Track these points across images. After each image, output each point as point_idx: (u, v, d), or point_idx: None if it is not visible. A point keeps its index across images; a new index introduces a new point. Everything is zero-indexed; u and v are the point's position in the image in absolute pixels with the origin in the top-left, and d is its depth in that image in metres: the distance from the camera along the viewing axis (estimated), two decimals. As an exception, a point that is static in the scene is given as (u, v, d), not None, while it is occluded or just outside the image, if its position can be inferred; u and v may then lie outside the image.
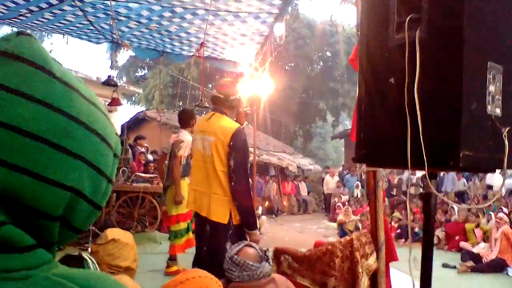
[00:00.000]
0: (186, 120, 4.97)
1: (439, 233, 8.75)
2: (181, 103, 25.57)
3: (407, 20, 1.39)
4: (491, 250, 6.82)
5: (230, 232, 2.73)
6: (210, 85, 17.37)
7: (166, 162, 5.09)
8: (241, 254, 2.02)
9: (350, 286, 2.60)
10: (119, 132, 11.69)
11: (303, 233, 10.23)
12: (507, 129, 1.40)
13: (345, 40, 22.08)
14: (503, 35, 1.46)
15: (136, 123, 15.28)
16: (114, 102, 5.68)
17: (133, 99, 24.50)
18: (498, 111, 1.41)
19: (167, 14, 5.16)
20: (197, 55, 6.59)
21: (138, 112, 16.58)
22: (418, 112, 1.33)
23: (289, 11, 5.19)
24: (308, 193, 15.89)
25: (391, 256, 2.90)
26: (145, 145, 10.31)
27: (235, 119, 3.12)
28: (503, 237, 6.66)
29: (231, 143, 2.73)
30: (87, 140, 0.52)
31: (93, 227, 6.24)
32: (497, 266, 6.42)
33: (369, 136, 1.54)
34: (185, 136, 4.79)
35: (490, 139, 1.39)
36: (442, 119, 1.33)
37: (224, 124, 2.84)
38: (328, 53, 25.39)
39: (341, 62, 23.00)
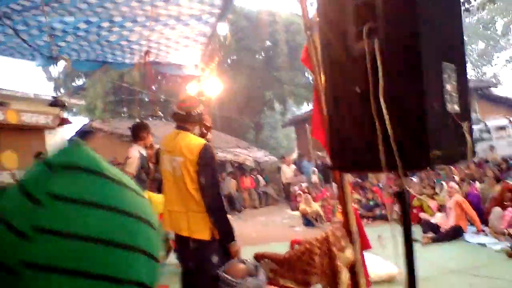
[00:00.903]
0: (136, 133, 4.86)
1: (397, 208, 9.14)
2: (125, 109, 24.86)
3: (365, 29, 1.43)
4: (448, 219, 7.23)
5: (214, 246, 2.72)
6: (153, 87, 16.96)
7: None
8: (229, 271, 2.03)
9: (331, 281, 2.68)
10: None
11: (269, 226, 10.34)
12: (465, 124, 1.49)
13: (284, 29, 22.34)
14: (450, 35, 1.55)
15: (81, 135, 14.70)
16: (64, 122, 5.42)
17: (73, 111, 23.47)
18: (456, 107, 1.49)
19: (105, 24, 4.97)
20: (141, 62, 6.44)
21: (84, 125, 15.92)
22: (386, 118, 1.39)
23: (231, 10, 5.17)
24: (267, 184, 16.06)
25: (365, 245, 3.02)
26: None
27: (200, 133, 3.09)
28: (456, 206, 7.09)
29: (199, 161, 2.72)
30: (142, 231, 0.54)
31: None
32: (455, 234, 6.85)
33: (341, 145, 1.58)
34: (133, 152, 4.69)
35: (453, 135, 1.47)
36: (408, 122, 1.39)
37: (190, 142, 2.81)
38: (268, 43, 25.58)
39: (282, 51, 23.25)
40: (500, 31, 30.33)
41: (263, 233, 9.08)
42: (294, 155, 19.45)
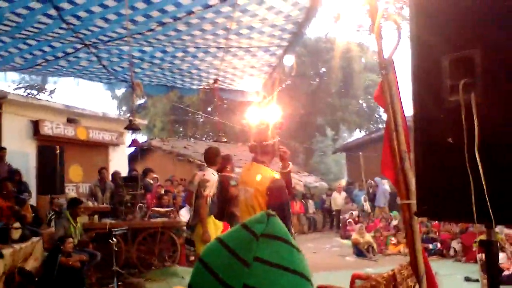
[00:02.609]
0: (211, 158, 5.05)
1: (455, 245, 8.77)
2: (181, 128, 25.76)
3: (461, 84, 1.49)
4: (510, 262, 6.84)
5: None
6: (215, 112, 17.45)
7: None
8: None
9: (398, 321, 2.65)
10: (127, 166, 11.81)
11: (319, 253, 10.23)
12: None
13: (340, 56, 22.39)
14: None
15: (141, 153, 15.37)
16: (135, 144, 5.77)
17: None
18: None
19: (180, 54, 5.29)
20: (207, 88, 6.75)
21: (142, 142, 16.66)
22: (481, 172, 1.42)
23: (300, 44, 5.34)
24: (316, 210, 15.90)
25: (431, 286, 2.96)
26: (155, 176, 10.38)
27: (280, 164, 3.18)
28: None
29: (268, 192, 2.83)
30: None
31: (116, 267, 6.26)
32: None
33: (429, 193, 1.62)
34: (211, 175, 4.86)
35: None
36: (504, 177, 1.41)
37: (261, 174, 2.93)
38: (323, 69, 25.69)
39: (337, 77, 23.25)
40: None
41: (312, 260, 8.97)
42: (343, 182, 19.14)
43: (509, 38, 1.40)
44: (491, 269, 1.63)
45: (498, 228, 8.55)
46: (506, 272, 6.77)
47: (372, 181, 15.81)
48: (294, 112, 22.25)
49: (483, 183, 1.42)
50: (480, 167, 1.42)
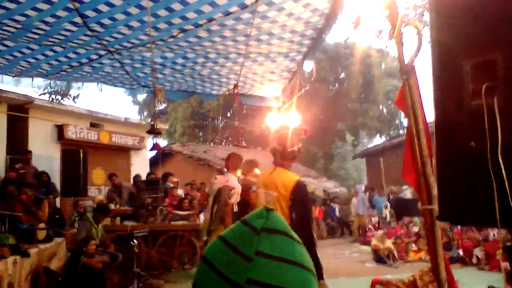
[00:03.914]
0: (234, 163, 5.05)
1: (478, 252, 8.59)
2: (201, 133, 25.99)
3: (484, 88, 1.49)
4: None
5: None
6: (234, 117, 17.56)
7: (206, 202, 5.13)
8: None
9: (420, 327, 2.62)
10: (148, 170, 11.98)
11: (339, 259, 10.14)
12: None
13: (360, 61, 22.27)
14: None
15: (162, 157, 15.56)
16: (156, 148, 5.87)
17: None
18: None
19: (201, 60, 5.37)
20: (227, 93, 6.82)
21: (163, 146, 16.89)
22: (505, 176, 1.42)
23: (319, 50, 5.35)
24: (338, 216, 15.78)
25: (454, 293, 2.92)
26: (175, 180, 10.49)
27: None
28: None
29: (292, 197, 2.84)
30: (313, 281, 0.67)
31: (137, 269, 6.35)
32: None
33: (452, 197, 1.62)
34: (234, 182, 4.86)
35: None
36: (528, 181, 1.40)
37: (285, 179, 2.95)
38: (343, 74, 25.57)
39: (357, 82, 23.11)
40: None
41: (333, 265, 8.90)
42: (363, 188, 18.95)
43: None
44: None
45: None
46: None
47: (393, 187, 15.62)
48: (313, 118, 22.21)
49: (507, 187, 1.41)
50: (503, 171, 1.42)
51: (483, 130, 1.48)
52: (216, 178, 5.25)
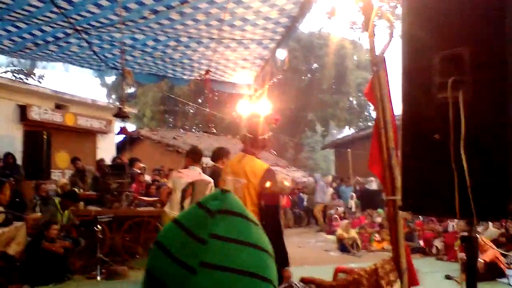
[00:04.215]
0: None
1: (438, 243, 8.90)
2: (171, 119, 25.65)
3: (450, 81, 1.51)
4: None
5: None
6: (205, 103, 17.41)
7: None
8: None
9: (379, 314, 2.69)
10: (114, 154, 11.73)
11: (304, 248, 10.28)
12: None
13: (333, 53, 22.44)
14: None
15: (130, 142, 15.27)
16: (123, 132, 5.73)
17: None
18: (535, 162, 1.53)
19: (172, 43, 5.26)
20: (198, 78, 6.72)
21: (131, 131, 16.55)
22: (466, 168, 1.45)
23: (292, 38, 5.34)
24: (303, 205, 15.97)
25: (413, 281, 3.01)
26: (142, 166, 10.32)
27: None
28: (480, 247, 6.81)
29: (261, 184, 2.84)
30: (271, 263, 0.66)
31: (101, 255, 6.24)
32: (493, 273, 6.60)
33: (415, 187, 1.65)
34: (207, 176, 4.86)
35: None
36: (488, 174, 1.44)
37: (255, 166, 2.94)
38: (316, 65, 25.73)
39: (329, 74, 23.31)
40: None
41: (298, 254, 9.00)
42: (330, 178, 19.26)
43: (497, 36, 1.42)
44: (471, 263, 1.67)
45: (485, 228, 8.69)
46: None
47: (359, 178, 15.94)
48: (284, 107, 22.27)
49: (467, 180, 1.45)
50: (464, 163, 1.45)
51: (447, 123, 1.51)
52: (180, 171, 5.12)
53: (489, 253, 6.78)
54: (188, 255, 0.57)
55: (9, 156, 8.11)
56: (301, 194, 15.90)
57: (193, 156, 5.16)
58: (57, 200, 6.61)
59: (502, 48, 1.42)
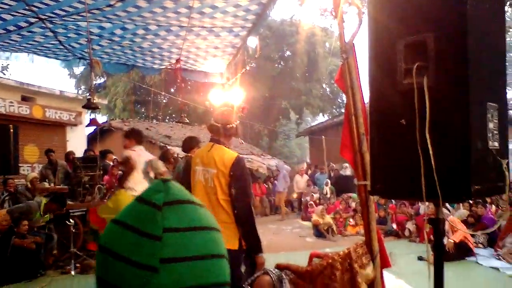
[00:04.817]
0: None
1: (410, 226, 9.15)
2: (143, 109, 25.22)
3: (415, 67, 1.53)
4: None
5: (242, 256, 2.82)
6: (178, 93, 17.19)
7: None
8: (255, 285, 2.14)
9: (352, 296, 2.75)
10: (85, 147, 11.47)
11: (280, 235, 10.40)
12: (506, 162, 1.57)
13: (305, 40, 22.49)
14: (495, 75, 1.64)
15: (101, 133, 14.95)
16: (93, 124, 5.59)
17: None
18: (496, 144, 1.58)
19: (140, 31, 5.14)
20: (169, 67, 6.62)
21: (102, 122, 16.21)
22: (431, 152, 1.48)
23: (263, 25, 5.31)
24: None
25: (385, 264, 3.09)
26: (114, 158, 10.14)
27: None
28: (450, 227, 7.07)
29: (231, 173, 2.83)
30: (221, 240, 0.67)
31: (74, 249, 6.13)
32: (462, 253, 6.86)
33: (383, 172, 1.68)
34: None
35: (492, 171, 1.56)
36: (452, 157, 1.48)
37: (224, 155, 2.91)
38: (288, 52, 25.75)
39: (302, 61, 23.37)
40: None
41: (274, 241, 9.13)
42: (305, 165, 19.46)
43: (460, 22, 1.44)
44: (438, 244, 1.72)
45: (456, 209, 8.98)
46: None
47: (333, 165, 16.16)
48: (258, 95, 22.29)
49: (432, 163, 1.48)
50: (430, 147, 1.48)
51: (413, 109, 1.53)
52: (135, 150, 5.00)
53: (459, 234, 7.03)
54: (145, 255, 0.56)
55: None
56: (276, 182, 15.98)
57: (137, 137, 5.17)
58: (43, 200, 6.39)
59: (464, 35, 1.44)
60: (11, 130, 7.56)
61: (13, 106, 10.19)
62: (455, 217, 8.37)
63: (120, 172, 7.03)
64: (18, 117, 10.21)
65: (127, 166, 4.82)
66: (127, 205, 0.61)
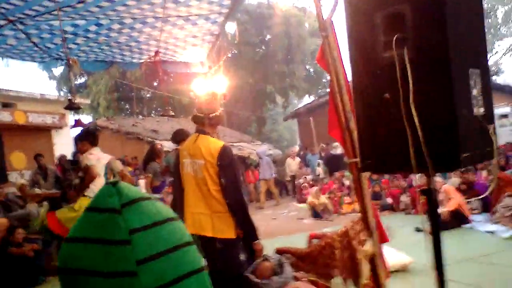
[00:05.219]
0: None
1: (405, 198, 9.23)
2: (127, 105, 24.96)
3: (394, 39, 1.51)
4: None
5: (240, 245, 2.81)
6: (161, 86, 16.99)
7: None
8: (255, 271, 2.15)
9: (353, 273, 2.77)
10: (73, 149, 11.31)
11: (277, 219, 10.43)
12: (492, 127, 1.57)
13: (284, 22, 22.29)
14: (475, 41, 1.62)
15: (87, 134, 14.75)
16: (78, 124, 5.50)
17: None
18: (481, 110, 1.57)
19: (116, 26, 5.04)
20: (148, 61, 6.52)
21: (89, 123, 15.98)
22: (417, 123, 1.47)
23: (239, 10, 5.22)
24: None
25: (383, 238, 3.11)
26: (69, 159, 9.98)
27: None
28: (445, 196, 7.15)
29: (219, 163, 2.80)
30: (182, 225, 0.69)
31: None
32: (458, 221, 6.95)
33: (371, 148, 1.66)
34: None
35: (479, 137, 1.56)
36: (439, 127, 1.46)
37: (210, 145, 2.89)
38: (269, 36, 25.55)
39: (282, 44, 23.21)
40: (501, 18, 30.25)
41: (271, 226, 9.17)
42: (297, 148, 19.49)
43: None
44: (432, 213, 1.72)
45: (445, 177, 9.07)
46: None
47: (324, 145, 16.19)
48: (242, 82, 22.15)
49: (420, 134, 1.46)
50: (415, 118, 1.47)
51: (395, 81, 1.51)
52: (93, 154, 4.77)
53: (453, 202, 7.11)
54: (118, 262, 0.53)
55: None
56: (260, 170, 15.88)
57: (90, 138, 4.93)
58: (42, 209, 6.26)
59: (441, 2, 1.41)
60: (-6, 139, 7.40)
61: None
62: (448, 185, 8.48)
63: (77, 180, 6.85)
64: (0, 124, 10.02)
65: (88, 174, 4.62)
66: (77, 220, 0.58)
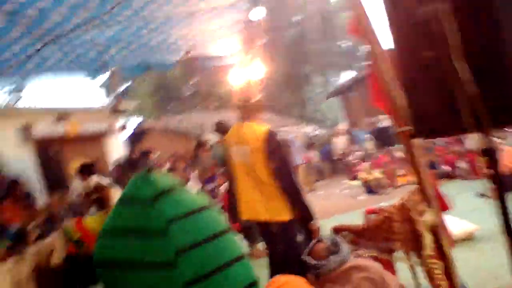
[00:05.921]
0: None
1: (461, 164, 8.81)
2: (172, 104, 25.52)
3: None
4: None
5: (296, 225, 2.82)
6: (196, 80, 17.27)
7: None
8: (312, 253, 2.12)
9: (415, 246, 2.67)
10: (124, 152, 11.74)
11: (330, 199, 10.33)
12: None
13: (310, 1, 21.79)
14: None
15: (136, 137, 15.27)
16: (127, 128, 5.66)
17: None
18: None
19: (143, 32, 5.11)
20: (181, 60, 6.59)
21: (137, 125, 16.52)
22: (468, 79, 1.35)
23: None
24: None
25: (444, 207, 2.96)
26: (157, 154, 10.43)
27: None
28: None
29: (266, 147, 2.80)
30: (216, 213, 0.63)
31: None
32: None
33: (420, 113, 1.56)
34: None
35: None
36: (491, 81, 1.34)
37: (255, 131, 2.90)
38: (298, 17, 25.10)
39: (313, 23, 22.73)
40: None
41: (325, 206, 9.06)
42: (343, 126, 19.07)
43: None
44: (495, 174, 1.60)
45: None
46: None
47: (370, 119, 15.77)
48: (278, 67, 21.96)
49: (471, 91, 1.35)
50: (465, 74, 1.35)
51: (436, 37, 1.40)
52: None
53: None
54: (157, 253, 0.52)
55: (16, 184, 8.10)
56: (327, 145, 15.65)
57: (85, 169, 5.15)
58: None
59: None
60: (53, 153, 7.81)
61: (50, 128, 10.52)
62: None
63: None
64: (57, 137, 10.54)
65: (103, 191, 4.76)
66: (110, 213, 0.57)
